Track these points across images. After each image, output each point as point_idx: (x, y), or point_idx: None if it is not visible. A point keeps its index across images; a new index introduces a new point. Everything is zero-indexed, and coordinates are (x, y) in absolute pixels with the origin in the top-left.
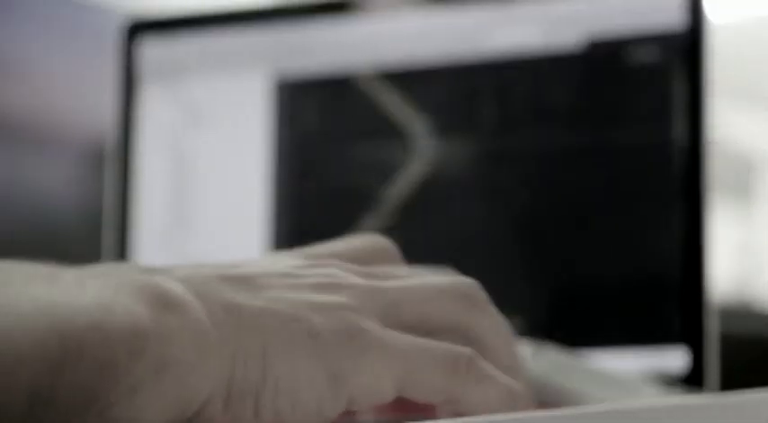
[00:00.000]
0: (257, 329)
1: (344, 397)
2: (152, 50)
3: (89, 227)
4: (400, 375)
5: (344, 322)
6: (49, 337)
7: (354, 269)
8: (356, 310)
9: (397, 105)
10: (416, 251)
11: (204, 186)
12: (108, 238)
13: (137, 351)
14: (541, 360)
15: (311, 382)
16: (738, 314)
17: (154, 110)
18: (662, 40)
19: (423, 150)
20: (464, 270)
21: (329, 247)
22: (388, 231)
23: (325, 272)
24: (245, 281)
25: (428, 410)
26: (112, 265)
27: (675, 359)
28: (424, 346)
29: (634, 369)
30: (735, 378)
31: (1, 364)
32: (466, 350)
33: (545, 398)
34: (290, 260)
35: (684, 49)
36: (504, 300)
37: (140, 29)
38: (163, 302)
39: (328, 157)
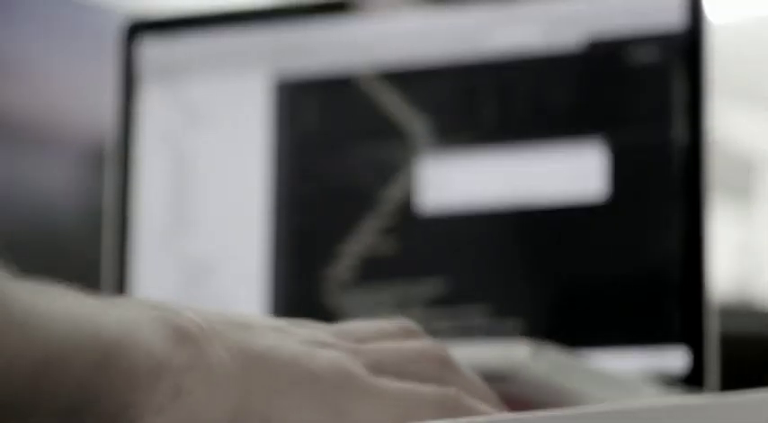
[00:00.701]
0: (263, 368)
1: None
2: (152, 50)
3: (89, 227)
4: (395, 417)
5: (341, 368)
6: (91, 340)
7: (331, 332)
8: (348, 361)
9: (397, 105)
10: (416, 251)
11: (204, 186)
12: (108, 238)
13: (157, 374)
14: (541, 360)
15: (315, 420)
16: (738, 314)
17: (154, 110)
18: (662, 40)
19: (423, 152)
20: (464, 270)
21: (354, 326)
22: (388, 232)
23: (308, 331)
24: (245, 327)
25: None
26: (129, 298)
27: (675, 359)
28: (415, 389)
29: (634, 369)
30: (735, 378)
31: (57, 359)
32: (451, 390)
33: (545, 398)
34: (277, 321)
35: (684, 49)
36: (505, 300)
37: (140, 29)
38: (178, 335)
39: (328, 157)
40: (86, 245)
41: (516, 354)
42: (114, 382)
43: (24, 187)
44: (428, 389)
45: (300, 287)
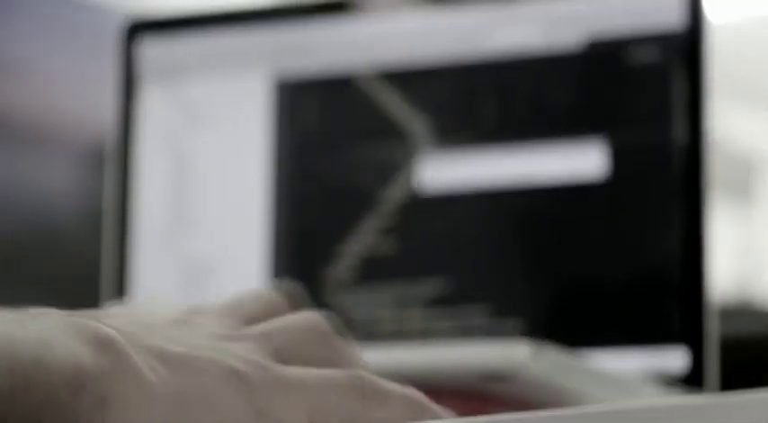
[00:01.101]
0: (188, 371)
1: None
2: (152, 50)
3: (89, 227)
4: (311, 407)
5: (256, 363)
6: (1, 364)
7: (219, 322)
8: (258, 354)
9: (397, 105)
10: (416, 251)
11: (204, 186)
12: (108, 238)
13: (78, 387)
14: (541, 360)
15: (245, 420)
16: (739, 314)
17: (154, 110)
18: (662, 40)
19: (423, 152)
20: (464, 270)
21: (235, 306)
22: (388, 232)
23: (202, 325)
24: (149, 328)
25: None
26: (47, 310)
27: (675, 359)
28: (324, 376)
29: (634, 369)
30: (735, 378)
31: None
32: (356, 372)
33: (545, 398)
34: (173, 310)
35: (684, 49)
36: (505, 300)
37: (140, 29)
38: (102, 343)
39: (328, 156)
40: (86, 245)
41: (516, 354)
42: (24, 409)
43: (24, 187)
44: (336, 374)
45: (300, 287)
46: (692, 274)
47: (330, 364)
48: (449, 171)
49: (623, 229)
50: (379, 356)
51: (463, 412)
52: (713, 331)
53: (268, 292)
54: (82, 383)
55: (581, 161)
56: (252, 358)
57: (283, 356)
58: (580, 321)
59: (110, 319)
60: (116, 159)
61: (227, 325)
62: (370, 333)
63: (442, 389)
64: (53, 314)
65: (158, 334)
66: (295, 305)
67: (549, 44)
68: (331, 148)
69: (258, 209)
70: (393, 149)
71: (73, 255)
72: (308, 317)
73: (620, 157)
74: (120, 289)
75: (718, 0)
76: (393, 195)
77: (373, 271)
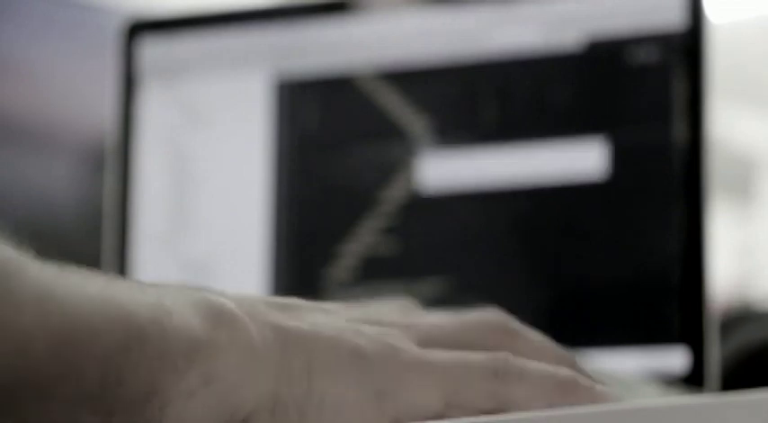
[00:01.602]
0: (303, 349)
1: (390, 413)
2: (152, 50)
3: (89, 227)
4: (445, 389)
5: (386, 344)
6: (117, 320)
7: (388, 312)
8: (394, 337)
9: (397, 105)
10: (416, 252)
11: (204, 186)
12: (108, 238)
13: (190, 357)
14: None
15: (356, 399)
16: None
17: (153, 110)
18: (662, 40)
19: (423, 152)
20: (465, 270)
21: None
22: (388, 232)
23: (361, 310)
24: (288, 308)
25: None
26: (168, 284)
27: (675, 359)
28: (463, 358)
29: (634, 369)
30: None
31: (75, 337)
32: (500, 354)
33: None
34: (329, 304)
35: (684, 49)
36: (505, 300)
37: (140, 29)
38: (216, 317)
39: (328, 156)
40: (86, 245)
41: None
42: (140, 365)
43: (24, 187)
44: (477, 356)
45: (301, 287)
46: (692, 274)
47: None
48: (449, 171)
49: (623, 230)
50: None
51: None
52: (713, 331)
53: (474, 314)
54: (195, 355)
55: (581, 161)
56: (384, 338)
57: (438, 345)
58: (580, 321)
59: (240, 295)
60: (116, 159)
61: (387, 315)
62: None
63: None
64: (176, 287)
65: (290, 311)
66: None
67: (548, 44)
68: (331, 147)
69: (258, 209)
70: (393, 149)
71: (73, 255)
72: (489, 313)
73: (620, 157)
74: None
75: (718, 0)
76: (393, 195)
77: (373, 271)
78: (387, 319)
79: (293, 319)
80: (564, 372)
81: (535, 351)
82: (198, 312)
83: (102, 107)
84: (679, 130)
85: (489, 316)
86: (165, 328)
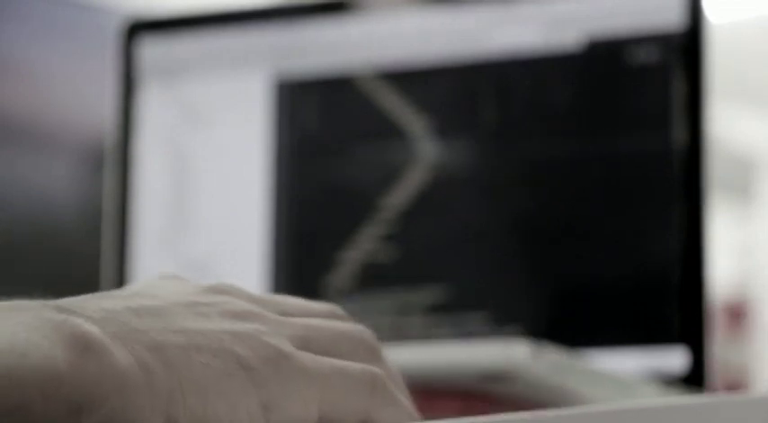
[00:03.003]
0: (188, 367)
1: None
2: (152, 50)
3: (89, 227)
4: (323, 398)
5: (267, 349)
6: None
7: (255, 299)
8: (273, 336)
9: (397, 105)
10: (416, 252)
11: (204, 186)
12: (108, 238)
13: (51, 395)
14: (541, 360)
15: (249, 415)
16: None
17: (153, 110)
18: (662, 40)
19: (423, 152)
20: (465, 270)
21: (279, 298)
22: (388, 235)
23: (228, 302)
24: (159, 315)
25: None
26: (23, 301)
27: (675, 359)
28: (343, 368)
29: (634, 369)
30: None
31: None
32: (378, 371)
33: (545, 398)
34: (189, 287)
35: (684, 49)
36: (505, 301)
37: (140, 29)
38: (81, 345)
39: (328, 157)
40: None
41: (516, 354)
42: (1, 414)
43: (24, 187)
44: (357, 367)
45: (301, 286)
46: (692, 274)
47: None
48: (448, 172)
49: (623, 230)
50: None
51: (463, 412)
52: (713, 331)
53: (316, 303)
54: (56, 389)
55: (581, 161)
56: (265, 342)
57: (308, 348)
58: (580, 322)
59: (111, 300)
60: (116, 159)
61: (251, 305)
62: None
63: (442, 389)
64: (37, 310)
65: (160, 319)
66: (341, 320)
67: (548, 44)
68: (331, 147)
69: (258, 209)
70: (393, 150)
71: (73, 255)
72: (358, 327)
73: (619, 157)
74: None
75: (718, 0)
76: (393, 202)
77: (372, 277)
78: (259, 313)
79: (168, 332)
80: (416, 413)
81: (393, 376)
82: (59, 341)
83: (102, 107)
84: (679, 130)
85: (360, 331)
86: (18, 376)
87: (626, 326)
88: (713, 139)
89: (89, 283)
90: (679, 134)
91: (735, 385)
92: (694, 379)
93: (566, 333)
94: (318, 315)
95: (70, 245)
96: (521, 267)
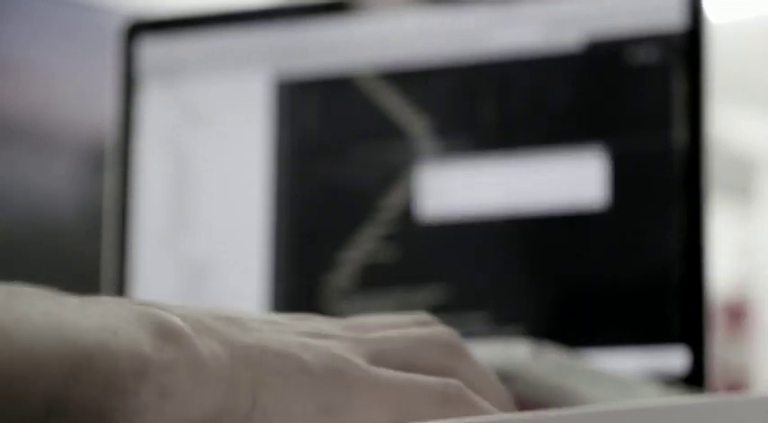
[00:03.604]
0: (249, 362)
1: None
2: (152, 50)
3: (89, 227)
4: (392, 408)
5: (333, 358)
6: (61, 348)
7: (338, 323)
8: (343, 351)
9: (397, 105)
10: (416, 252)
11: (204, 186)
12: (108, 238)
13: (141, 375)
14: (542, 361)
15: (301, 414)
16: None
17: (154, 110)
18: (662, 40)
19: (423, 152)
20: (465, 270)
21: (364, 318)
22: (388, 238)
23: (309, 323)
24: (234, 322)
25: None
26: (111, 297)
27: (675, 359)
28: (414, 380)
29: (634, 369)
30: None
31: (20, 370)
32: (454, 381)
33: (545, 398)
34: (276, 315)
35: (684, 49)
36: (505, 301)
37: (140, 29)
38: (163, 332)
39: (328, 157)
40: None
41: (516, 354)
42: (88, 392)
43: (24, 187)
44: (429, 380)
45: (301, 286)
46: (692, 274)
47: (452, 376)
48: (448, 176)
49: (623, 230)
50: None
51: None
52: (713, 331)
53: (404, 315)
54: (146, 371)
55: (581, 163)
56: (332, 353)
57: (387, 361)
58: (580, 322)
59: (192, 306)
60: (116, 159)
61: (333, 328)
62: None
63: None
64: (118, 302)
65: (235, 324)
66: (426, 326)
67: (549, 44)
68: (331, 147)
69: (258, 209)
70: (393, 150)
71: (73, 255)
72: (438, 330)
73: (619, 157)
74: (120, 289)
75: (718, 0)
76: (393, 203)
77: (372, 278)
78: (336, 333)
79: (240, 333)
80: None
81: (479, 375)
82: (144, 329)
83: (102, 107)
84: (679, 130)
85: (440, 333)
86: (112, 350)
87: (626, 326)
88: (713, 139)
89: (89, 283)
90: (679, 134)
91: (735, 385)
92: (694, 379)
93: (566, 333)
94: (404, 325)
95: (70, 245)
96: (521, 267)
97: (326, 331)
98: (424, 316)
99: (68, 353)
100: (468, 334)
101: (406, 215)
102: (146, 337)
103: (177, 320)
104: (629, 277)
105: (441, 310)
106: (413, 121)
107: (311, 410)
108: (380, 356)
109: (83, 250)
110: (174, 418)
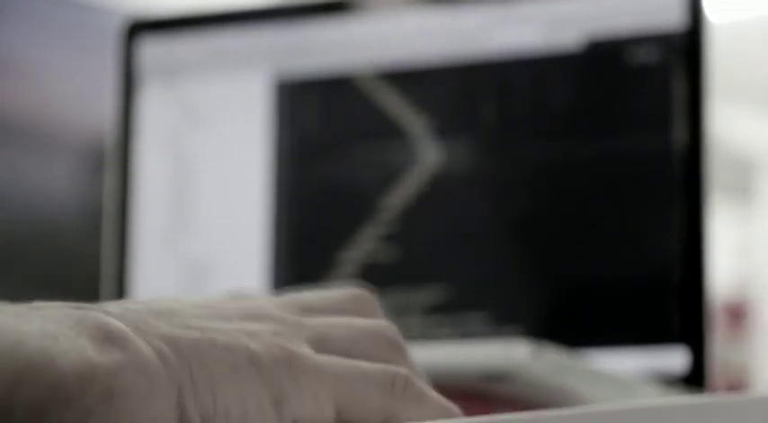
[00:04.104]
0: (199, 359)
1: (288, 420)
2: (152, 50)
3: (89, 227)
4: (339, 397)
5: (280, 348)
6: (3, 356)
7: (277, 302)
8: (287, 338)
9: (397, 105)
10: (416, 252)
11: (204, 186)
12: (108, 237)
13: (86, 379)
14: (541, 360)
15: (258, 408)
16: None
17: (154, 110)
18: (662, 40)
19: (423, 152)
20: (465, 270)
21: (303, 296)
22: (388, 235)
23: (249, 304)
24: (175, 315)
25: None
26: (49, 302)
27: (675, 359)
28: (361, 368)
29: (634, 369)
30: None
31: None
32: (401, 369)
33: (545, 398)
34: (213, 297)
35: (684, 49)
36: (505, 301)
37: (140, 29)
38: (104, 335)
39: (328, 157)
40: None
41: (516, 354)
42: (31, 399)
43: (24, 187)
44: (377, 367)
45: (301, 286)
46: (692, 274)
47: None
48: (449, 172)
49: (623, 230)
50: None
51: (463, 412)
52: (713, 331)
53: (342, 291)
54: (92, 375)
55: (581, 162)
56: (278, 341)
57: (331, 348)
58: (580, 322)
59: (132, 303)
60: (116, 159)
61: (271, 308)
62: None
63: (442, 389)
64: (57, 307)
65: (176, 318)
66: (367, 311)
67: (548, 44)
68: (331, 147)
69: (258, 209)
70: (393, 150)
71: (73, 255)
72: (381, 324)
73: (619, 157)
74: (120, 289)
75: (718, 0)
76: (393, 202)
77: (373, 278)
78: (277, 315)
79: (184, 329)
80: (452, 406)
81: (417, 374)
82: (86, 332)
83: (102, 107)
84: (679, 130)
85: (383, 328)
86: (54, 357)
87: (626, 326)
88: (713, 139)
89: (89, 283)
90: (679, 134)
91: (735, 385)
92: (694, 379)
93: (566, 333)
94: (342, 307)
95: (70, 245)
96: (521, 267)
97: (268, 312)
98: (359, 291)
99: (10, 360)
100: (468, 334)
101: (406, 215)
102: (87, 341)
103: (118, 323)
104: (629, 277)
105: (441, 310)
106: (413, 121)
107: (265, 402)
108: (323, 344)
109: (83, 250)
110: (124, 420)
